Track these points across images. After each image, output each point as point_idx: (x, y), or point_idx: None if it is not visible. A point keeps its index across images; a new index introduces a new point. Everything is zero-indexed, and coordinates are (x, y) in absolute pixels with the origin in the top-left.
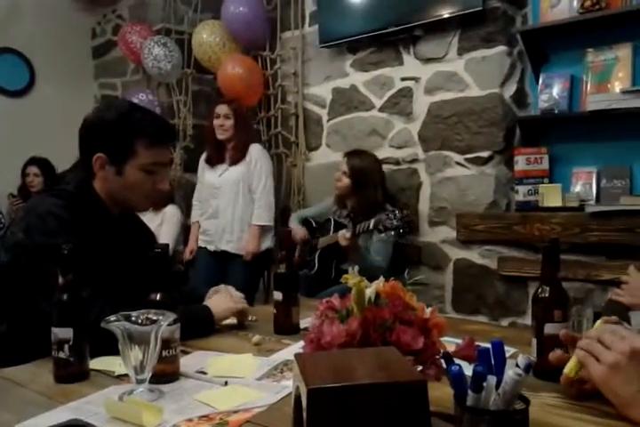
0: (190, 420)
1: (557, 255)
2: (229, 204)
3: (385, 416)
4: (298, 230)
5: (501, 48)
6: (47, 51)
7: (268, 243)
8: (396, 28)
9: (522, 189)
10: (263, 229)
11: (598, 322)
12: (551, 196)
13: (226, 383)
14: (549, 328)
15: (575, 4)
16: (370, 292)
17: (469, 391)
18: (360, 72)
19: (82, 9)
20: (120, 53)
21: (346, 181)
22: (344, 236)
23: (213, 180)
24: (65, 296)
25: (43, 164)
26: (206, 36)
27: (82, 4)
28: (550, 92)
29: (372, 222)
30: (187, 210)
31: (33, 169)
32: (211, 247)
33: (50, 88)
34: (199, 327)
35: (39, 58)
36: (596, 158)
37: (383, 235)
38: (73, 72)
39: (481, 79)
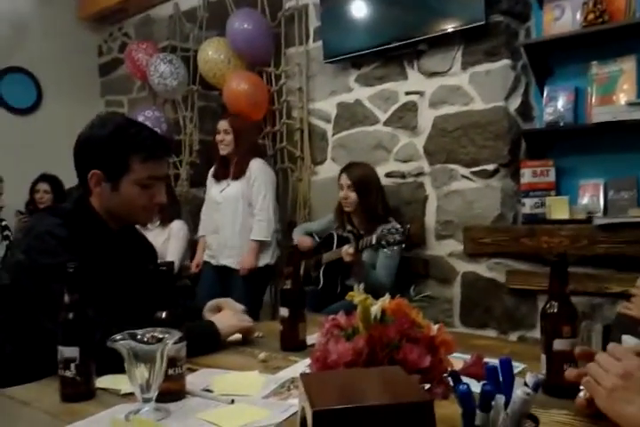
0: None
1: (566, 270)
2: (229, 219)
3: None
4: (303, 240)
5: (505, 62)
6: (54, 69)
7: (267, 259)
8: (400, 43)
9: (528, 201)
10: (262, 245)
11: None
12: (558, 208)
13: (232, 402)
14: (558, 344)
15: (578, 17)
16: (375, 309)
17: (478, 411)
18: (364, 87)
19: (88, 27)
20: (126, 71)
21: (352, 195)
22: (347, 251)
23: (216, 195)
24: (71, 315)
25: (53, 181)
26: (211, 53)
27: (88, 22)
28: (555, 105)
29: (374, 238)
30: (193, 225)
31: (43, 186)
32: (213, 262)
33: (57, 106)
34: (205, 344)
35: (46, 76)
36: (603, 170)
37: (387, 251)
38: (80, 90)
39: (485, 93)
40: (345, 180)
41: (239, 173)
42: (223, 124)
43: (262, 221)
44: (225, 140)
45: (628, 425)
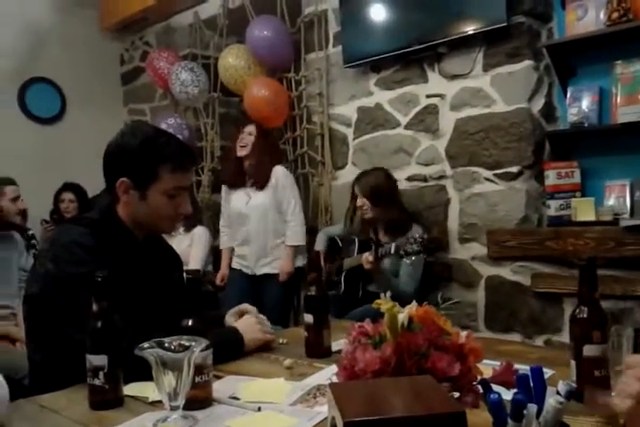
0: None
1: (595, 274)
2: (260, 229)
3: None
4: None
5: (527, 63)
6: (77, 78)
7: (300, 261)
8: (420, 46)
9: (553, 203)
10: (297, 249)
11: None
12: (584, 210)
13: (259, 409)
14: (588, 350)
15: (602, 16)
16: (403, 317)
17: (509, 420)
18: (385, 90)
19: (110, 37)
20: (148, 79)
21: (365, 201)
22: (367, 259)
23: (241, 207)
24: (99, 324)
25: (77, 189)
26: (232, 60)
27: (110, 31)
28: (579, 106)
29: (392, 247)
30: (215, 231)
31: (68, 195)
32: (246, 271)
33: (81, 115)
34: (229, 351)
35: (70, 86)
36: (629, 171)
37: (406, 260)
38: (103, 99)
39: (508, 94)
40: (356, 188)
41: (263, 182)
42: (250, 127)
43: (297, 226)
44: (245, 139)
45: None
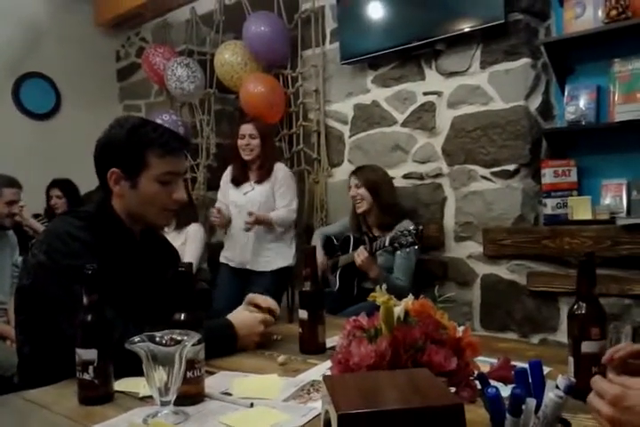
0: None
1: (593, 270)
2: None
3: None
4: (319, 256)
5: (525, 60)
6: (73, 74)
7: (288, 260)
8: (418, 43)
9: (550, 202)
10: (282, 245)
11: None
12: (581, 209)
13: (252, 405)
14: (587, 346)
15: (600, 13)
16: (399, 310)
17: (507, 415)
18: (381, 88)
19: (106, 33)
20: (144, 75)
21: (362, 191)
22: (359, 254)
23: (237, 198)
24: (89, 317)
25: (64, 185)
26: (228, 56)
27: (106, 27)
28: (577, 104)
29: (387, 240)
30: (209, 228)
31: (55, 191)
32: (232, 264)
33: (75, 111)
34: (221, 348)
35: (65, 81)
36: (626, 170)
37: (402, 253)
38: (98, 95)
39: (505, 92)
40: (354, 180)
41: (264, 177)
42: (248, 129)
43: (288, 212)
44: (251, 145)
45: None
